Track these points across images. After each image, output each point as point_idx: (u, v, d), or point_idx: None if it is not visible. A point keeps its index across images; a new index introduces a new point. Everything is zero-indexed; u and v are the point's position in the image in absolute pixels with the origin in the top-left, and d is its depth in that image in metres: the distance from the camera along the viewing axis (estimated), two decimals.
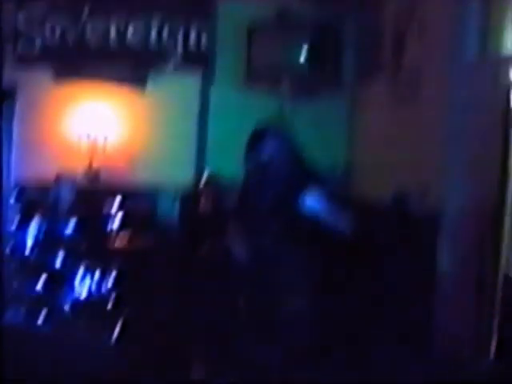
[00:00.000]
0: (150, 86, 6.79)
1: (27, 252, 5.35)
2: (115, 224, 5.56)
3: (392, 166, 5.55)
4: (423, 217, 4.90)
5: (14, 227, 5.14)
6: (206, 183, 6.42)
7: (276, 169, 3.98)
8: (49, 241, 5.43)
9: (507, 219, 4.09)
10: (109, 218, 5.63)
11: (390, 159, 5.67)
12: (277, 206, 3.92)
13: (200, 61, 6.85)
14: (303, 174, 3.99)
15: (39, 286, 5.21)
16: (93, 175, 6.55)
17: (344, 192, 6.05)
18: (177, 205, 6.63)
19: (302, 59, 6.50)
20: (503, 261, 4.09)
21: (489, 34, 4.50)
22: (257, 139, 4.04)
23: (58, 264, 5.34)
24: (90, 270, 5.40)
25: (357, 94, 6.81)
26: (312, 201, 3.78)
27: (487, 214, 4.14)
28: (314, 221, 3.87)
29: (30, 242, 5.37)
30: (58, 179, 5.80)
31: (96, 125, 6.68)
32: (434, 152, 4.87)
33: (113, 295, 5.41)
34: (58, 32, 6.64)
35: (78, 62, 6.71)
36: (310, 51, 6.48)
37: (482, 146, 4.33)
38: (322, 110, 6.66)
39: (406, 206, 5.17)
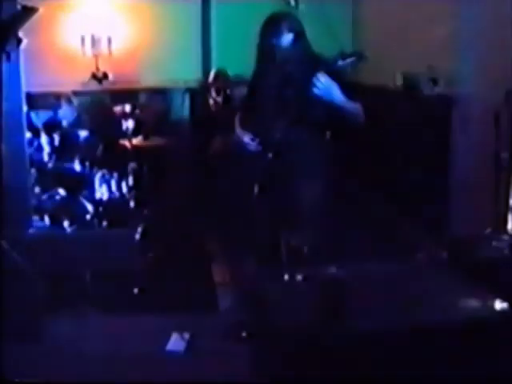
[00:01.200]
0: None
1: (45, 159, 5.40)
2: (129, 124, 5.57)
3: (399, 51, 5.53)
4: (434, 100, 4.93)
5: (29, 136, 5.14)
6: (215, 78, 6.40)
7: (291, 54, 3.96)
8: (65, 146, 5.48)
9: None
10: (122, 119, 5.63)
11: (397, 43, 5.65)
12: (290, 92, 3.92)
13: None
14: (317, 60, 3.97)
15: (61, 192, 5.30)
16: (102, 77, 6.52)
17: (355, 78, 6.02)
18: (187, 101, 6.66)
19: None
20: None
21: None
22: (273, 24, 4.01)
23: (77, 168, 5.41)
24: (108, 172, 5.49)
25: None
26: (325, 88, 3.76)
27: (500, 95, 4.16)
28: (326, 108, 3.86)
29: (46, 149, 5.42)
30: (58, 97, 5.77)
31: (99, 25, 6.60)
32: (443, 34, 4.84)
33: (133, 194, 5.50)
34: None
35: None
36: None
37: (493, 28, 4.31)
38: None
39: (416, 90, 5.19)
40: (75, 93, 5.90)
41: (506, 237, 3.48)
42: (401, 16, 5.63)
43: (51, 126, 5.59)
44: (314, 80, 3.70)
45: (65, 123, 5.63)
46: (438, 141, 4.84)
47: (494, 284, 3.03)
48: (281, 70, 3.97)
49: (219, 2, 6.71)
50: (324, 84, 3.71)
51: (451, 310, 2.97)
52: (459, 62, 4.71)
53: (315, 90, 3.72)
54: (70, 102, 5.77)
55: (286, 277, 2.99)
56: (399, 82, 5.44)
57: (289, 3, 6.51)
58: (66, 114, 5.69)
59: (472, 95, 4.57)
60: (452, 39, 4.75)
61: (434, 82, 4.90)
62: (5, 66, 3.78)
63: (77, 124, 5.67)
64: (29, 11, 2.21)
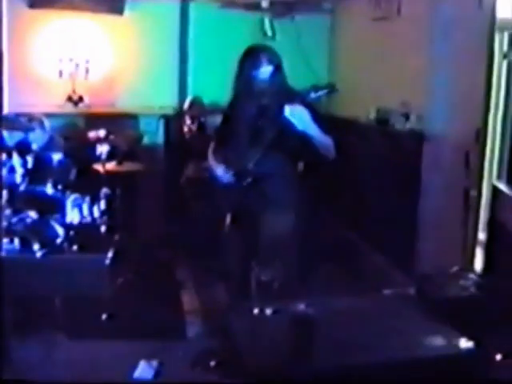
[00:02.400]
0: (128, 8, 6.68)
1: (17, 182, 5.37)
2: (103, 149, 5.56)
3: (374, 85, 5.61)
4: (406, 136, 5.00)
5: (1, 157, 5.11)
6: (190, 105, 6.43)
7: (268, 86, 4.01)
8: (38, 169, 5.45)
9: (490, 137, 4.22)
10: (96, 143, 5.62)
11: (372, 78, 5.72)
12: (264, 123, 3.96)
13: None
14: (292, 92, 4.03)
15: (32, 214, 5.27)
16: (77, 100, 6.52)
17: (326, 111, 6.10)
18: (161, 128, 6.69)
19: None
20: (488, 172, 4.23)
21: None
22: (252, 55, 4.06)
23: (49, 191, 5.39)
24: (80, 196, 5.46)
25: (338, 12, 6.79)
26: (298, 120, 3.81)
27: (470, 133, 4.24)
28: (299, 140, 3.91)
29: (19, 171, 5.38)
30: (31, 119, 5.75)
31: (76, 48, 6.61)
32: (417, 71, 4.93)
33: (104, 219, 5.49)
34: None
35: None
36: None
37: (465, 66, 4.40)
38: (302, 28, 6.63)
39: (389, 125, 5.26)
40: (47, 115, 5.86)
41: (472, 275, 3.54)
42: (376, 51, 5.71)
43: (23, 148, 5.56)
44: (289, 111, 3.76)
45: (35, 146, 5.60)
46: (408, 176, 4.90)
47: (460, 322, 3.07)
48: (257, 101, 4.03)
49: (198, 30, 6.75)
50: (298, 115, 3.77)
51: (417, 346, 3.01)
52: (431, 98, 4.79)
53: (289, 122, 3.77)
54: (41, 124, 5.74)
55: (256, 310, 3.02)
56: (372, 115, 5.52)
57: (266, 34, 6.62)
58: (37, 137, 5.65)
59: (443, 132, 4.65)
60: (425, 76, 4.83)
61: (407, 117, 4.98)
62: None
63: (48, 147, 5.64)
64: None
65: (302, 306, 2.93)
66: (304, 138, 3.87)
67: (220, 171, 4.12)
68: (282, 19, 6.64)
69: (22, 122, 5.69)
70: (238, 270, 4.08)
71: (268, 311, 3.00)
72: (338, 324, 3.08)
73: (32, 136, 5.64)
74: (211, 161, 4.27)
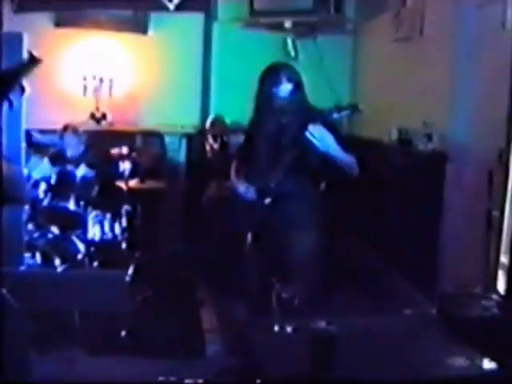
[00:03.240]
0: (152, 27, 6.76)
1: (40, 197, 5.41)
2: (126, 166, 5.59)
3: (396, 105, 5.61)
4: (428, 156, 4.98)
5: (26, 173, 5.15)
6: (212, 124, 6.46)
7: (289, 104, 4.02)
8: (61, 185, 5.49)
9: None
10: (118, 160, 5.66)
11: (394, 98, 5.72)
12: (286, 142, 3.96)
13: (202, 0, 6.79)
14: (313, 111, 4.03)
15: (54, 230, 5.30)
16: (100, 118, 6.58)
17: (348, 131, 6.10)
18: (184, 146, 6.72)
19: None
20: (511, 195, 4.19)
21: None
22: (273, 73, 4.08)
23: (71, 207, 5.42)
24: (102, 213, 5.50)
25: (360, 32, 6.82)
26: (320, 139, 3.81)
27: (493, 153, 4.21)
28: (321, 159, 3.91)
29: (42, 187, 5.43)
30: (66, 128, 5.80)
31: (100, 66, 6.69)
32: (440, 91, 4.92)
33: (125, 236, 5.51)
34: None
35: (79, 4, 6.59)
36: None
37: (488, 86, 4.38)
38: (325, 49, 6.65)
39: (411, 145, 5.24)
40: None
41: (495, 296, 3.50)
42: (398, 71, 5.72)
43: (55, 159, 5.61)
44: (310, 131, 3.76)
45: (69, 153, 5.66)
46: (431, 196, 4.88)
47: (483, 343, 3.04)
48: (278, 119, 4.04)
49: (221, 49, 6.79)
50: (319, 135, 3.77)
51: (439, 367, 2.98)
52: (454, 118, 4.77)
53: (311, 141, 3.77)
54: (76, 133, 5.79)
55: (276, 328, 3.00)
56: (394, 136, 5.50)
57: (289, 54, 6.64)
58: (71, 144, 5.71)
59: (466, 152, 4.62)
60: (448, 96, 4.83)
61: (429, 137, 4.96)
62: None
63: (81, 158, 5.68)
64: (34, 61, 2.24)
65: (322, 324, 2.91)
66: (326, 157, 3.87)
67: (242, 188, 4.14)
68: (305, 40, 6.67)
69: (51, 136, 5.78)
70: (259, 287, 4.08)
71: (289, 328, 2.99)
72: (358, 343, 3.06)
73: (67, 140, 5.70)
74: (233, 178, 4.28)
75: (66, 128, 5.78)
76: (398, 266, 5.45)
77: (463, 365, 3.00)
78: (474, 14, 4.56)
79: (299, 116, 3.96)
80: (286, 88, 4.01)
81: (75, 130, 5.77)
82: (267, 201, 3.95)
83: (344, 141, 3.98)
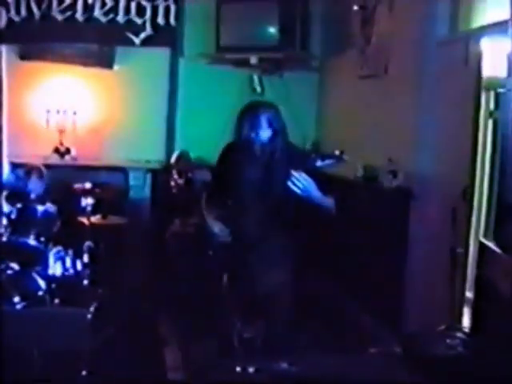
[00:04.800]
0: (118, 62, 6.74)
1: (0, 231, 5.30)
2: (88, 202, 5.51)
3: (362, 142, 5.62)
4: (393, 193, 4.99)
5: None
6: (177, 160, 6.41)
7: (270, 148, 3.88)
8: (21, 220, 5.39)
9: (477, 194, 4.21)
10: (81, 195, 5.58)
11: (359, 135, 5.74)
12: (266, 185, 3.86)
13: (168, 35, 6.78)
14: (297, 157, 3.95)
15: (14, 266, 5.19)
16: (64, 152, 6.52)
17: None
18: (148, 182, 6.66)
19: (271, 32, 6.50)
20: (475, 229, 4.21)
21: (459, 11, 4.57)
22: (253, 116, 3.86)
23: (31, 243, 5.32)
24: (63, 249, 5.40)
25: (326, 69, 6.86)
26: (303, 186, 3.72)
27: (457, 190, 4.23)
28: (299, 201, 3.84)
29: (3, 222, 5.32)
30: (30, 172, 5.69)
31: (65, 100, 6.65)
32: (404, 128, 4.95)
33: (87, 272, 5.41)
34: (23, 8, 6.50)
35: (44, 38, 6.59)
36: (279, 24, 6.47)
37: (452, 123, 4.42)
38: (291, 85, 6.68)
39: (377, 182, 5.25)
40: (46, 166, 5.82)
41: (460, 334, 3.48)
42: (363, 108, 5.75)
43: (15, 198, 5.51)
44: (292, 178, 3.67)
45: (33, 196, 5.55)
46: (396, 232, 4.88)
47: (448, 382, 3.01)
48: (258, 162, 3.89)
49: (187, 85, 6.78)
50: (302, 182, 3.67)
51: None
52: (418, 155, 4.80)
53: (293, 188, 3.68)
54: (40, 174, 5.68)
55: (238, 368, 2.95)
56: (360, 173, 5.51)
57: (255, 90, 6.67)
58: (35, 186, 5.60)
59: (430, 189, 4.64)
60: (412, 132, 4.86)
61: (394, 174, 4.97)
62: None
63: (44, 197, 5.59)
64: None
65: (284, 365, 2.86)
66: (306, 201, 3.79)
67: (216, 230, 4.02)
68: (271, 76, 6.70)
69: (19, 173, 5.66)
70: (222, 326, 4.00)
71: (251, 369, 2.93)
72: (321, 383, 3.01)
73: (30, 185, 5.59)
74: (206, 217, 4.14)
75: (29, 172, 5.65)
76: (363, 303, 5.43)
77: None
78: (436, 51, 4.61)
79: (280, 161, 3.85)
80: (266, 134, 3.83)
81: (41, 176, 5.66)
82: (243, 243, 3.89)
83: (324, 184, 3.91)
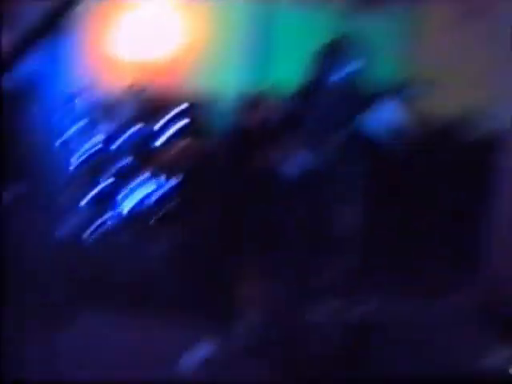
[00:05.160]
0: None
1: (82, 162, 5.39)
2: (171, 134, 5.54)
3: (458, 84, 5.38)
4: (486, 137, 4.81)
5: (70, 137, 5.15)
6: (262, 94, 6.32)
7: (350, 81, 3.89)
8: (104, 153, 5.46)
9: None
10: (165, 127, 5.60)
11: (456, 76, 5.51)
12: (342, 117, 3.88)
13: None
14: (374, 89, 3.89)
15: (94, 195, 5.28)
16: (149, 84, 6.52)
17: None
18: (233, 114, 6.60)
19: None
20: None
21: None
22: (333, 50, 3.94)
23: (111, 177, 5.39)
24: (145, 181, 5.46)
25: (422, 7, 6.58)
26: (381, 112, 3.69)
27: None
28: (371, 136, 3.79)
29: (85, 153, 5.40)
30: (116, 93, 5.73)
31: (151, 31, 6.62)
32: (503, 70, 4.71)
33: (166, 206, 5.46)
34: None
35: None
36: None
37: None
38: (384, 23, 6.43)
39: (470, 125, 5.07)
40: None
41: None
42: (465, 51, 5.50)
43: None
44: (375, 107, 3.66)
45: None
46: (481, 179, 4.72)
47: None
48: (330, 99, 3.92)
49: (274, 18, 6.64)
50: (386, 110, 3.66)
51: (478, 359, 2.85)
52: None
53: (367, 118, 3.66)
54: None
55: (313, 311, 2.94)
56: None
57: (341, 27, 6.44)
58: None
59: None
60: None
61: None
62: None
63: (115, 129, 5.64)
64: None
65: (360, 309, 2.83)
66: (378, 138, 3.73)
67: (288, 166, 4.10)
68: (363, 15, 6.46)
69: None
70: (298, 266, 3.99)
71: (325, 312, 2.92)
72: (398, 331, 2.95)
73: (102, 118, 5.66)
74: (278, 154, 4.18)
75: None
76: (444, 254, 5.28)
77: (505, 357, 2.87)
78: None
79: (352, 98, 3.85)
80: (347, 67, 3.93)
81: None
82: (315, 176, 3.89)
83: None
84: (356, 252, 3.99)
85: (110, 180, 5.40)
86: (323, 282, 3.68)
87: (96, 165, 5.43)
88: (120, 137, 5.60)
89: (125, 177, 5.46)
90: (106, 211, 5.23)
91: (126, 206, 5.38)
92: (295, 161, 4.07)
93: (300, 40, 6.18)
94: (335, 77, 3.95)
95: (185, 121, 5.68)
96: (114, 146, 5.53)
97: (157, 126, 5.68)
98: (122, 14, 6.65)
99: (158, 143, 5.63)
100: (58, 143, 4.40)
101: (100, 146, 5.49)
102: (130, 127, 5.69)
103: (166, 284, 4.68)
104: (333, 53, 3.98)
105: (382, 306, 3.20)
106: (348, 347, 2.79)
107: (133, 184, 5.45)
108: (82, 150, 5.41)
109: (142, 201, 5.43)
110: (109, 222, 5.17)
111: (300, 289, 3.91)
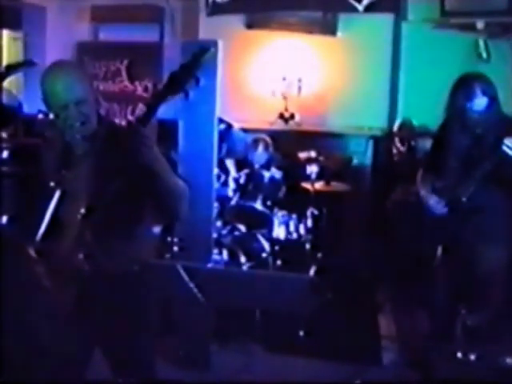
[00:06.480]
0: (341, 29, 6.81)
1: (229, 195, 5.64)
2: (313, 169, 5.69)
3: None
4: None
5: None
6: (400, 127, 6.40)
7: (484, 118, 3.89)
8: (249, 185, 5.70)
9: None
10: (306, 163, 5.78)
11: None
12: (479, 154, 3.84)
13: (392, 1, 6.67)
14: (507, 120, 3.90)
15: (241, 228, 5.51)
16: (288, 118, 6.75)
17: None
18: (370, 149, 6.68)
19: None
20: None
21: None
22: (466, 86, 3.92)
23: (258, 207, 5.61)
24: (287, 213, 5.66)
25: None
26: None
27: None
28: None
29: (232, 186, 5.66)
30: (256, 142, 5.94)
31: (289, 67, 6.85)
32: None
33: (309, 237, 5.63)
34: None
35: (270, 7, 6.81)
36: None
37: None
38: None
39: None
40: (273, 138, 6.07)
41: None
42: None
43: (242, 164, 5.84)
44: (507, 143, 3.63)
45: (257, 166, 5.85)
46: None
47: None
48: (471, 132, 3.90)
49: (410, 50, 6.70)
50: None
51: None
52: None
53: (507, 153, 3.63)
54: (266, 146, 5.94)
55: (459, 354, 2.95)
56: None
57: (480, 55, 6.43)
58: (260, 158, 5.89)
59: None
60: None
61: None
62: (200, 104, 4.02)
63: (267, 165, 5.87)
64: (205, 52, 2.36)
65: (509, 359, 2.83)
66: None
67: (432, 202, 4.08)
68: (498, 40, 6.43)
69: (248, 142, 5.95)
70: (443, 307, 4.00)
71: (472, 356, 2.92)
72: None
73: (255, 155, 5.88)
74: (421, 189, 4.21)
75: (256, 142, 5.92)
76: None
77: None
78: None
79: (494, 128, 3.84)
80: (480, 102, 3.88)
81: (266, 147, 5.92)
82: (459, 215, 3.87)
83: None
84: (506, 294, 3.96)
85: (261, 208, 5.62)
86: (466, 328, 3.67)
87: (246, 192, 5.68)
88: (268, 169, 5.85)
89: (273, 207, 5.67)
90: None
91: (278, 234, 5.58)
92: (441, 195, 4.07)
93: (438, 70, 6.21)
94: (473, 114, 3.92)
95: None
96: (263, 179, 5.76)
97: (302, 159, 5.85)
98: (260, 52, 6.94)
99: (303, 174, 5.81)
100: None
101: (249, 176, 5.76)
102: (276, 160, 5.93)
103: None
104: (467, 90, 3.95)
105: None
106: None
107: (281, 214, 5.65)
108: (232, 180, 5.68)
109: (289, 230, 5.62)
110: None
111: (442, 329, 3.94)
